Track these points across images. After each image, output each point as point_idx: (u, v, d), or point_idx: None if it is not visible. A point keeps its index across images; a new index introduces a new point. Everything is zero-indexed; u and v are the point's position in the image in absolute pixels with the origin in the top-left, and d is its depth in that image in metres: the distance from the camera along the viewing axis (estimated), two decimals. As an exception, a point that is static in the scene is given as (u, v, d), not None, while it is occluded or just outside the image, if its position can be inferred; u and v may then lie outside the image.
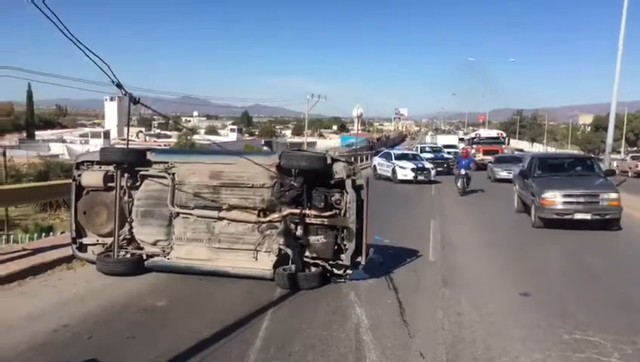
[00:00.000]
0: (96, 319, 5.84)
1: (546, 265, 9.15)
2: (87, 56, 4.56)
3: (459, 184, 20.77)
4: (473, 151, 35.58)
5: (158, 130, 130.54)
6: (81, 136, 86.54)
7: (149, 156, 7.94)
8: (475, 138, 41.50)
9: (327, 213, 7.31)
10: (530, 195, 13.18)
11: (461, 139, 50.83)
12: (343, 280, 7.42)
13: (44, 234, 10.05)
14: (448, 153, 40.31)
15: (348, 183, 7.23)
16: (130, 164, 7.84)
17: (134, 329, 5.55)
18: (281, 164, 7.29)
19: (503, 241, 11.39)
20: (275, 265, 7.34)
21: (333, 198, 7.32)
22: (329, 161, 7.38)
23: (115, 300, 6.52)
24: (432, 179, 25.28)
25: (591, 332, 5.61)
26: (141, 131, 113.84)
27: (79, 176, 8.07)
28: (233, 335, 5.41)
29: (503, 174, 25.36)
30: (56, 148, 70.67)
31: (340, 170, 7.31)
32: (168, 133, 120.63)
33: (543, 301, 6.81)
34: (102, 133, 79.66)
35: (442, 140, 54.19)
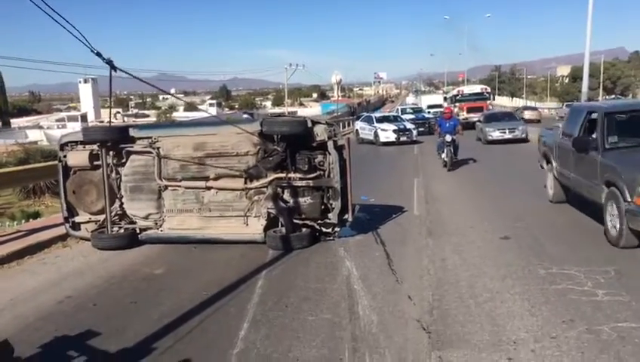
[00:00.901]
0: (97, 289, 6.10)
1: (525, 211, 9.49)
2: (63, 26, 4.36)
3: (443, 155, 15.84)
4: (456, 109, 32.88)
5: (135, 110, 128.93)
6: (57, 120, 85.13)
7: (132, 132, 8.00)
8: (457, 95, 38.20)
9: (311, 175, 7.55)
10: (602, 185, 7.18)
11: (446, 98, 46.52)
12: (331, 237, 7.72)
13: (31, 220, 10.14)
14: (434, 113, 39.74)
15: (330, 144, 7.46)
16: (114, 141, 7.93)
17: (136, 295, 5.82)
18: (263, 131, 7.47)
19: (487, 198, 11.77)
20: (266, 228, 7.61)
21: (316, 160, 7.57)
22: (309, 124, 7.56)
23: (113, 272, 6.76)
24: (414, 139, 25.62)
25: (566, 266, 5.99)
26: (118, 112, 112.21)
27: (64, 156, 8.16)
28: (231, 294, 5.69)
29: (496, 135, 23.46)
30: (33, 135, 69.51)
31: (320, 132, 7.53)
32: (146, 112, 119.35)
33: (521, 243, 7.19)
34: (79, 117, 78.46)
35: (427, 100, 51.53)
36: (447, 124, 16.02)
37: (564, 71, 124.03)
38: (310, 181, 7.57)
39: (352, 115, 62.86)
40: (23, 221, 10.08)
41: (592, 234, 7.44)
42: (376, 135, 26.03)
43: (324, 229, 7.71)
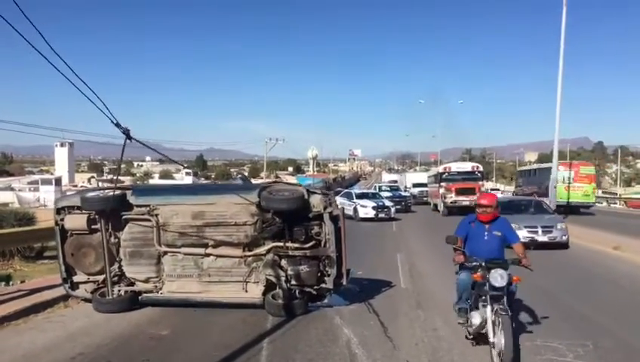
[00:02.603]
0: (108, 347, 6.34)
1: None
2: (84, 94, 4.55)
3: (474, 321, 6.03)
4: (442, 190, 29.74)
5: (110, 175, 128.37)
6: (30, 183, 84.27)
7: (131, 199, 8.10)
8: (443, 173, 31.39)
9: (308, 245, 7.92)
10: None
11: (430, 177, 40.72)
12: (325, 300, 8.10)
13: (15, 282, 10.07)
14: (420, 193, 40.71)
15: (326, 216, 7.87)
16: (113, 209, 8.01)
17: (147, 354, 6.09)
18: (261, 205, 7.78)
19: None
20: (264, 293, 7.94)
21: (313, 231, 7.97)
22: (306, 196, 7.93)
23: (120, 331, 7.00)
24: (392, 216, 26.38)
25: (550, 338, 6.50)
26: (93, 176, 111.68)
27: (62, 220, 8.24)
28: (239, 356, 6.01)
29: (522, 235, 13.98)
30: (4, 197, 68.66)
31: (317, 203, 7.88)
32: (121, 178, 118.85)
33: (506, 317, 7.68)
34: (53, 180, 77.85)
35: (412, 178, 49.64)
36: (487, 235, 6.36)
37: (531, 157, 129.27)
38: (307, 251, 7.91)
39: (327, 190, 64.07)
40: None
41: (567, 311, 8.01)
42: (355, 211, 26.73)
43: (318, 294, 8.05)
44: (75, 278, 8.41)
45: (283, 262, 7.99)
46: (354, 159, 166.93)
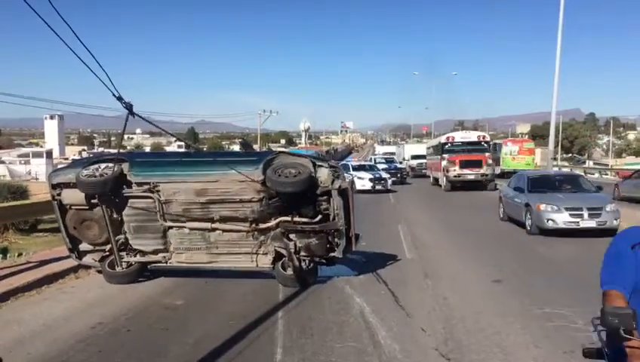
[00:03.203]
0: (125, 316, 6.43)
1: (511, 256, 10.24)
2: (87, 66, 4.12)
3: None
4: (444, 163, 26.95)
5: (101, 148, 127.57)
6: (20, 156, 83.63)
7: (129, 176, 7.61)
8: (446, 144, 28.14)
9: (316, 219, 7.74)
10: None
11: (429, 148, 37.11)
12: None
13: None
14: (419, 165, 38.52)
15: (334, 192, 7.49)
16: (112, 190, 7.60)
17: (165, 322, 6.19)
18: (266, 184, 7.34)
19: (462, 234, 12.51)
20: (273, 262, 7.94)
21: (321, 206, 7.75)
22: (312, 170, 7.50)
23: (135, 302, 7.08)
24: (389, 188, 26.50)
25: (557, 306, 6.64)
26: (84, 150, 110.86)
27: (59, 195, 7.84)
28: (256, 324, 6.11)
29: (563, 220, 12.36)
30: (-5, 170, 68.33)
31: (324, 178, 7.48)
32: (112, 151, 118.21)
33: (513, 286, 7.85)
34: (44, 153, 77.31)
35: (410, 150, 46.10)
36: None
37: (523, 128, 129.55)
38: (316, 225, 7.74)
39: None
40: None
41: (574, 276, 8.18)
42: (352, 183, 26.74)
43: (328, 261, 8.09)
44: (81, 247, 8.27)
45: (291, 235, 7.89)
46: (346, 131, 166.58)
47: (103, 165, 7.65)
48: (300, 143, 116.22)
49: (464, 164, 26.40)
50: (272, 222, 7.74)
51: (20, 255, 10.02)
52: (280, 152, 8.34)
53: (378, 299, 7.17)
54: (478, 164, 26.41)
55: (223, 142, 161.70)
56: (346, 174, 26.93)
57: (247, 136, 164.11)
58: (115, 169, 7.49)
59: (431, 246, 11.45)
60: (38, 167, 75.34)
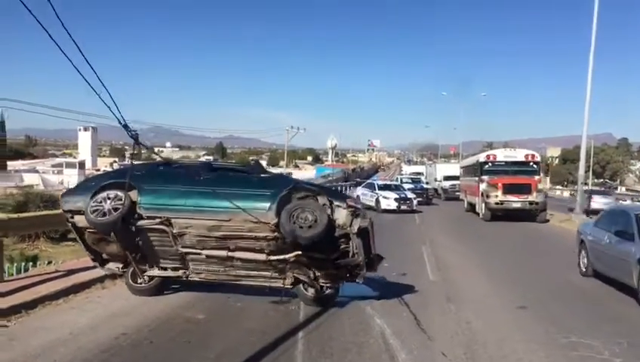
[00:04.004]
0: (148, 328, 6.51)
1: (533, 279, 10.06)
2: (96, 92, 4.31)
3: None
4: (483, 186, 22.87)
5: (131, 161, 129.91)
6: (54, 166, 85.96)
7: (139, 209, 7.28)
8: (486, 163, 24.00)
9: (335, 255, 7.40)
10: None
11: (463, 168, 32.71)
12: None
13: (42, 263, 10.35)
14: (451, 186, 36.15)
15: (353, 235, 7.12)
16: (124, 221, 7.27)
17: (187, 335, 6.26)
18: (280, 230, 6.95)
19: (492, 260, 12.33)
20: (294, 284, 7.78)
21: (340, 246, 7.39)
22: (329, 211, 7.09)
23: (158, 314, 7.17)
24: (415, 208, 26.37)
25: (583, 336, 6.50)
26: (115, 161, 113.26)
27: (72, 218, 7.69)
28: (276, 342, 6.12)
29: None
30: (29, 179, 70.15)
31: (343, 221, 7.08)
32: (127, 162, 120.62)
33: (538, 313, 7.71)
34: (77, 163, 79.39)
35: (443, 170, 42.95)
36: None
37: (554, 152, 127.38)
38: (334, 260, 7.42)
39: (345, 181, 64.05)
40: (23, 264, 9.85)
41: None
42: (377, 202, 26.77)
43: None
44: (104, 255, 8.17)
45: (310, 265, 7.55)
46: (373, 150, 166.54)
47: (112, 195, 7.30)
48: (326, 160, 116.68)
49: (509, 189, 21.90)
50: (289, 255, 7.34)
51: (49, 263, 10.30)
52: (295, 186, 7.56)
53: (399, 321, 7.12)
54: (526, 189, 21.92)
55: (250, 158, 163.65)
56: (369, 193, 26.84)
57: (275, 152, 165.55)
58: (125, 203, 7.18)
59: (454, 268, 11.39)
60: (71, 178, 77.39)
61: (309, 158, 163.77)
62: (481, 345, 6.18)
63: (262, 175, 7.98)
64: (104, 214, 7.12)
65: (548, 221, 22.48)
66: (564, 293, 9.36)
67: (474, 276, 10.73)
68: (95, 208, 7.16)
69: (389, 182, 33.17)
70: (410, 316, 7.38)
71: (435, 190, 39.65)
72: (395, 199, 26.36)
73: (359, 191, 30.48)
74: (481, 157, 24.99)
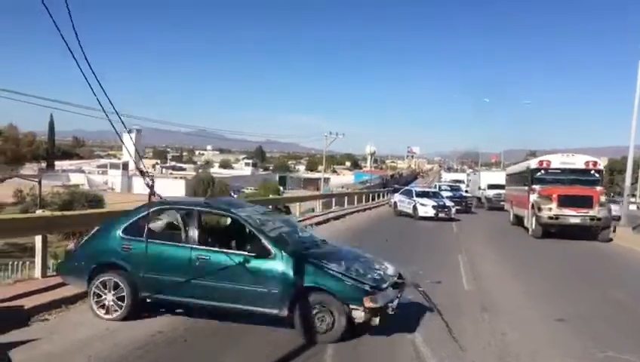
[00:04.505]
0: (183, 327, 6.65)
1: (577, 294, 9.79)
2: (126, 148, 4.58)
3: None
4: (534, 197, 19.70)
5: (173, 163, 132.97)
6: (99, 166, 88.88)
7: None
8: (538, 171, 20.69)
9: None
10: None
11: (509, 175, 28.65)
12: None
13: None
14: (496, 196, 34.86)
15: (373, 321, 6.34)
16: None
17: (220, 336, 6.37)
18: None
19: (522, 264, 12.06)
20: None
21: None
22: (347, 310, 6.25)
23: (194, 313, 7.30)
24: (452, 216, 26.04)
25: (623, 352, 6.30)
26: (157, 163, 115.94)
27: None
28: (305, 346, 6.13)
29: None
30: (76, 178, 72.68)
31: (362, 320, 6.26)
32: (183, 165, 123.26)
33: (576, 326, 7.51)
34: (121, 165, 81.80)
35: (487, 178, 40.34)
36: None
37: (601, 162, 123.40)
38: None
39: (383, 187, 63.87)
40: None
41: None
42: (415, 209, 26.55)
43: None
44: None
45: None
46: (412, 156, 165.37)
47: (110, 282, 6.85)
48: (365, 166, 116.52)
49: (565, 201, 18.58)
50: None
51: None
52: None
53: (431, 329, 7.03)
54: (586, 201, 18.59)
55: (290, 162, 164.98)
56: (407, 200, 26.25)
57: (313, 157, 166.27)
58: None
59: (490, 278, 11.15)
60: (115, 178, 79.67)
61: (348, 164, 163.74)
62: (514, 357, 6.06)
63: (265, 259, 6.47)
64: (107, 310, 6.78)
65: (611, 240, 19.21)
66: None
67: (508, 283, 10.53)
68: (97, 301, 6.83)
69: (426, 189, 32.86)
70: (443, 324, 7.26)
71: (479, 199, 39.05)
72: (433, 206, 26.08)
73: (396, 197, 30.30)
74: (533, 164, 21.41)
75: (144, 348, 5.81)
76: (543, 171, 20.49)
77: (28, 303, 7.05)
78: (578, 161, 20.56)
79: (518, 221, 23.32)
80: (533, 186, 20.19)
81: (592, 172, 20.26)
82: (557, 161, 20.65)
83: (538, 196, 19.45)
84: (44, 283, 7.97)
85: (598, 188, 19.70)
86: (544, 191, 19.40)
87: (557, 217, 18.58)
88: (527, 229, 20.79)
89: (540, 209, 18.88)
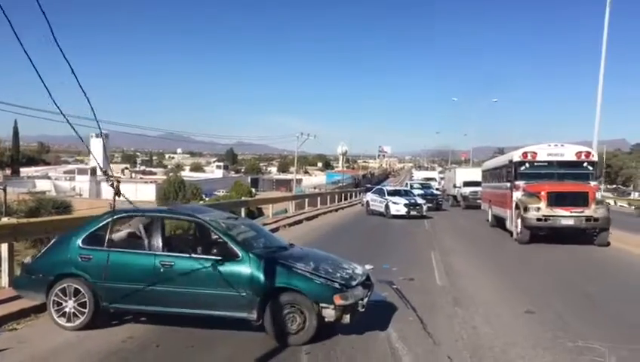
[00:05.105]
0: (154, 332, 6.57)
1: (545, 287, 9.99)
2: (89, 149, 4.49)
3: None
4: (518, 195, 17.23)
5: (142, 167, 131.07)
6: (66, 172, 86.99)
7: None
8: (522, 164, 17.94)
9: None
10: None
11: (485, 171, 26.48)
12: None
13: None
14: (472, 193, 33.89)
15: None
16: None
17: (192, 340, 6.30)
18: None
19: (500, 267, 12.27)
20: None
21: None
22: (318, 309, 6.24)
23: (165, 318, 7.18)
24: (424, 214, 26.32)
25: (590, 341, 6.45)
26: (127, 168, 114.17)
27: None
28: (282, 346, 6.13)
29: None
30: (41, 185, 71.03)
31: (333, 318, 6.27)
32: (153, 169, 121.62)
33: (545, 317, 7.66)
34: (88, 170, 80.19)
35: (463, 175, 38.04)
36: None
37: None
38: None
39: (356, 187, 64.17)
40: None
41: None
42: (387, 208, 26.74)
43: None
44: None
45: None
46: (383, 156, 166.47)
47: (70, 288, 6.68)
48: (337, 167, 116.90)
49: (556, 199, 16.00)
50: None
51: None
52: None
53: (406, 325, 7.10)
54: (580, 199, 15.99)
55: (261, 164, 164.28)
56: (379, 199, 26.70)
57: (285, 158, 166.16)
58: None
59: (463, 274, 11.25)
60: (83, 184, 78.08)
61: (320, 164, 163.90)
62: (487, 349, 6.15)
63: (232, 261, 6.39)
64: (69, 318, 6.60)
65: (608, 244, 16.23)
66: None
67: (480, 278, 10.69)
68: (58, 310, 6.63)
69: (398, 188, 33.10)
70: (417, 320, 7.36)
71: (454, 197, 38.02)
72: (405, 205, 26.32)
73: (369, 196, 30.47)
74: (516, 156, 18.24)
75: (117, 354, 5.72)
76: (527, 165, 17.78)
77: (-6, 313, 6.88)
78: (568, 152, 17.74)
79: (498, 222, 21.09)
80: (517, 182, 17.64)
81: (585, 164, 17.53)
82: (544, 153, 17.82)
83: (523, 194, 17.07)
84: (11, 292, 7.75)
85: (593, 183, 17.26)
86: (531, 188, 16.90)
87: (547, 218, 15.90)
88: (509, 232, 18.31)
89: (526, 209, 16.20)
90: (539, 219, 15.94)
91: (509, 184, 18.48)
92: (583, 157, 17.54)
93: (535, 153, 17.81)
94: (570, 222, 15.82)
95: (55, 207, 32.78)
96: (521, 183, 17.42)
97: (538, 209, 15.97)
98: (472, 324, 7.21)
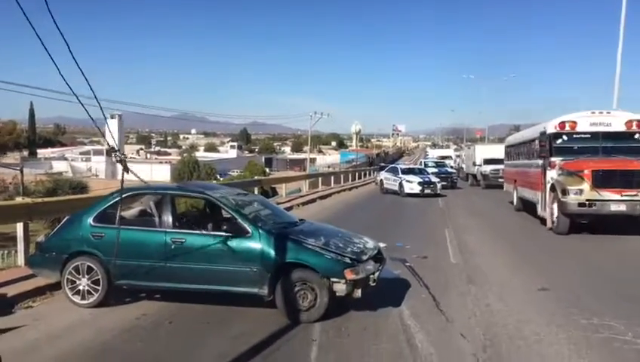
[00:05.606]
0: (168, 309, 6.63)
1: (559, 265, 9.89)
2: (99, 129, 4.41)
3: None
4: (555, 174, 13.95)
5: (157, 148, 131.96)
6: (82, 153, 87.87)
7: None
8: (559, 136, 14.46)
9: None
10: None
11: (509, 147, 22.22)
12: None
13: None
14: (493, 172, 31.63)
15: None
16: None
17: (206, 317, 6.34)
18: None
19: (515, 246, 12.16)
20: None
21: None
22: (328, 283, 6.23)
23: (179, 296, 7.24)
24: (438, 192, 26.18)
25: (606, 318, 6.37)
26: (142, 148, 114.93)
27: None
28: (286, 327, 6.12)
29: None
30: (59, 166, 71.91)
31: (344, 292, 6.27)
32: (168, 150, 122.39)
33: (560, 295, 7.58)
34: (104, 151, 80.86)
35: (483, 152, 35.83)
36: None
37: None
38: None
39: (370, 165, 64.00)
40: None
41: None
42: (401, 186, 26.63)
43: None
44: None
45: None
46: (397, 135, 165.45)
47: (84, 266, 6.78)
48: (351, 145, 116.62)
49: (603, 180, 12.82)
50: None
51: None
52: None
53: (418, 302, 7.08)
54: (635, 179, 12.78)
55: (275, 143, 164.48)
56: (392, 177, 26.59)
57: (299, 137, 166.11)
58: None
59: (477, 252, 11.15)
60: (98, 165, 78.85)
61: (333, 143, 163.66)
62: (501, 326, 6.09)
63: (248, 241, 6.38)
64: (83, 296, 6.71)
65: None
66: None
67: (494, 255, 10.61)
68: (72, 288, 6.74)
69: (412, 166, 32.90)
70: (430, 298, 7.33)
71: (474, 176, 36.53)
72: (419, 183, 26.18)
73: (382, 175, 30.36)
74: (550, 127, 14.77)
75: (130, 331, 5.78)
76: (565, 137, 14.41)
77: (11, 291, 7.01)
78: (616, 121, 14.27)
79: (525, 206, 18.24)
80: (552, 159, 14.31)
81: (637, 136, 14.11)
82: (585, 122, 14.33)
83: (560, 173, 13.81)
84: (27, 271, 7.85)
85: None
86: (570, 166, 13.61)
87: (591, 203, 12.77)
88: (540, 220, 15.33)
89: (564, 192, 13.07)
90: (581, 205, 12.84)
91: (541, 161, 15.27)
92: (634, 127, 14.12)
93: (574, 123, 14.38)
94: (622, 207, 12.66)
95: (72, 187, 33.17)
96: (557, 160, 14.14)
97: (580, 191, 12.85)
98: (486, 302, 7.16)
